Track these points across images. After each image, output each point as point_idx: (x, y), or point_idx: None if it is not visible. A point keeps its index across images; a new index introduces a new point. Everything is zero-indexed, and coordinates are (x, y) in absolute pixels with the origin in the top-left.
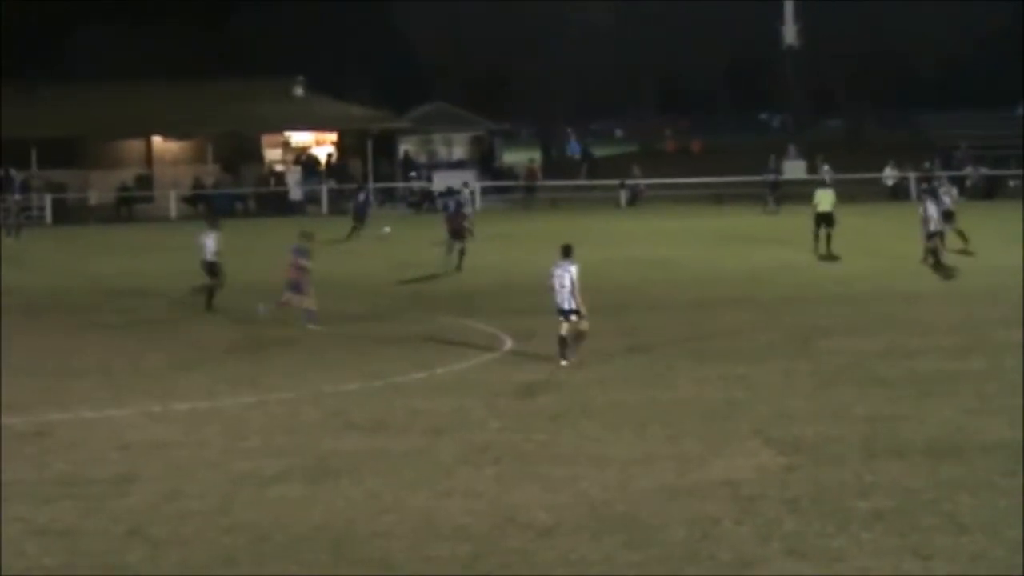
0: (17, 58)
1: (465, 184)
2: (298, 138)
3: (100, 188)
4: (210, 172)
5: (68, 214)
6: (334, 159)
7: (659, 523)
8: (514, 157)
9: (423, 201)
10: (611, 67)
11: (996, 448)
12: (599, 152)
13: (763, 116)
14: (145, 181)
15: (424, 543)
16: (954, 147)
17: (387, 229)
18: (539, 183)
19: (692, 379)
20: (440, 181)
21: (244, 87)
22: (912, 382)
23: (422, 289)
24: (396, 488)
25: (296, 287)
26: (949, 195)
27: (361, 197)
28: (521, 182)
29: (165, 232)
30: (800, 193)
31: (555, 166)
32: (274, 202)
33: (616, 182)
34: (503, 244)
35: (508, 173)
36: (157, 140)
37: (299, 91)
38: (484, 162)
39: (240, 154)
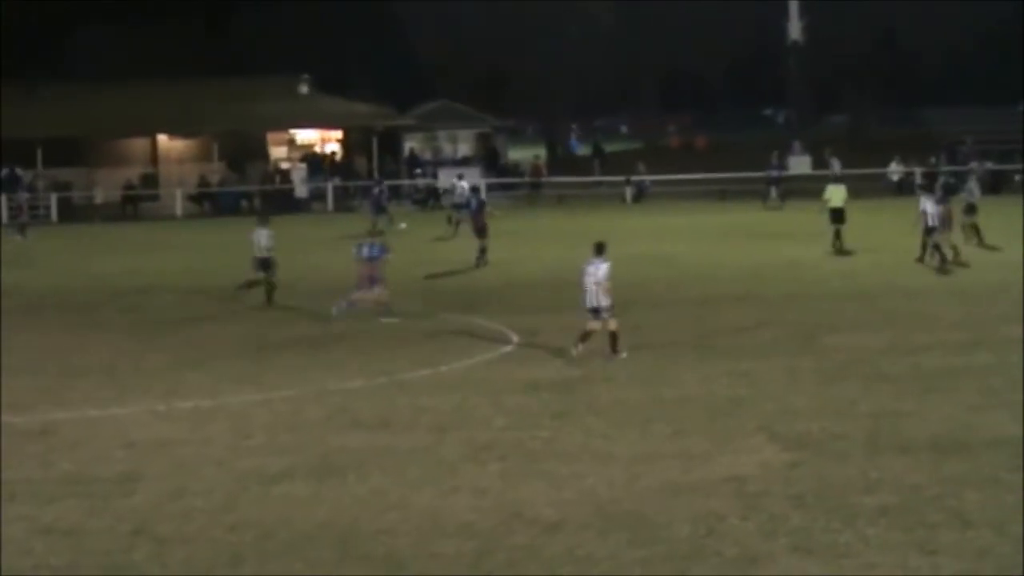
0: (18, 58)
1: (459, 176)
2: (303, 136)
3: (105, 187)
4: (215, 170)
5: (74, 213)
6: (338, 157)
7: (664, 520)
8: (519, 154)
9: (428, 198)
10: (615, 63)
11: (1001, 444)
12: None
13: (767, 112)
14: (150, 180)
15: (429, 540)
16: (959, 142)
17: (403, 225)
18: (544, 179)
19: (697, 376)
20: (445, 178)
21: (249, 85)
22: (916, 378)
23: (427, 286)
24: (401, 485)
25: (371, 282)
26: (972, 189)
27: (376, 191)
28: (526, 179)
29: (170, 230)
30: (805, 189)
31: (560, 163)
32: (279, 200)
33: (621, 178)
34: (508, 241)
35: (513, 170)
36: (162, 138)
37: (304, 89)
38: (489, 159)
39: (245, 152)
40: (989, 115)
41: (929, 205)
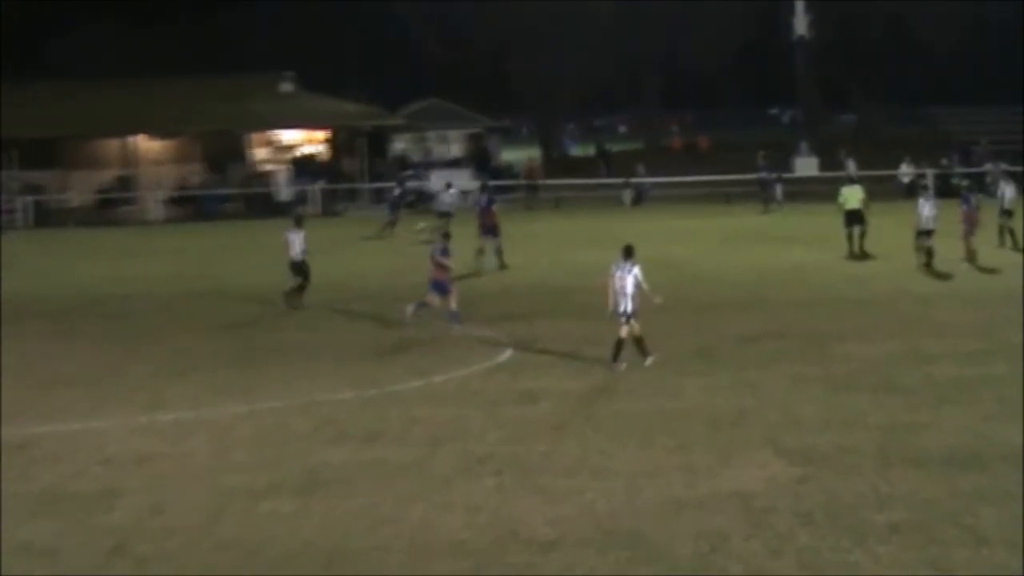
0: None
1: (448, 185)
2: (287, 136)
3: (81, 189)
4: (195, 172)
5: (49, 217)
6: (323, 157)
7: (666, 537)
8: (513, 155)
9: (417, 202)
10: (614, 60)
11: (1018, 457)
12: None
13: (772, 111)
14: (127, 182)
15: (422, 559)
16: (974, 142)
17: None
18: (540, 182)
19: (700, 387)
20: (437, 180)
21: (231, 84)
22: (929, 388)
23: (419, 293)
24: (392, 501)
25: (440, 287)
26: (1005, 191)
27: (397, 192)
28: (521, 181)
29: (150, 235)
30: (812, 192)
31: (556, 164)
32: (260, 203)
33: (620, 181)
34: (503, 246)
35: (507, 172)
36: (141, 139)
37: (288, 87)
38: (480, 160)
39: (226, 153)
40: (1005, 114)
41: (927, 207)
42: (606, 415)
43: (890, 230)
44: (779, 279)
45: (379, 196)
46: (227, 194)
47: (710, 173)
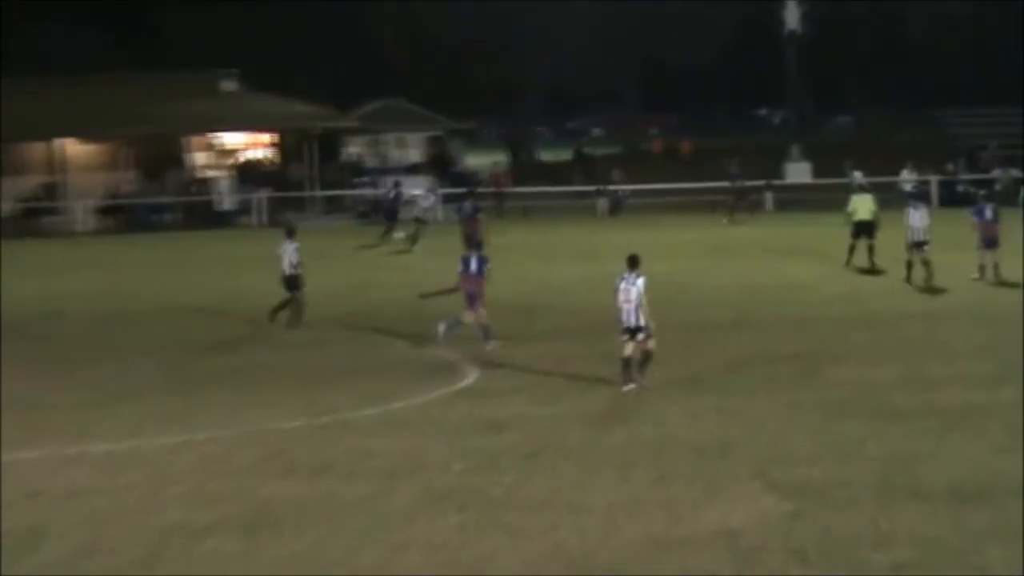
0: None
1: (396, 184)
2: (230, 139)
3: (1, 198)
4: (129, 179)
5: None
6: (269, 163)
7: None
8: (478, 160)
9: (374, 211)
10: (589, 56)
11: None
12: (568, 157)
13: (761, 112)
14: (53, 190)
15: None
16: (981, 146)
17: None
18: (506, 189)
19: (683, 413)
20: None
21: (168, 82)
22: (933, 415)
23: (376, 311)
24: (345, 540)
25: (471, 300)
26: None
27: (392, 195)
28: (486, 189)
29: (79, 248)
30: (805, 200)
31: (526, 169)
32: (201, 213)
33: (594, 188)
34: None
35: (470, 178)
36: (68, 143)
37: (230, 86)
38: (440, 166)
39: (163, 158)
40: (1017, 115)
41: (917, 217)
42: (580, 444)
43: (890, 243)
44: (770, 296)
45: (330, 205)
46: (163, 203)
47: (693, 180)
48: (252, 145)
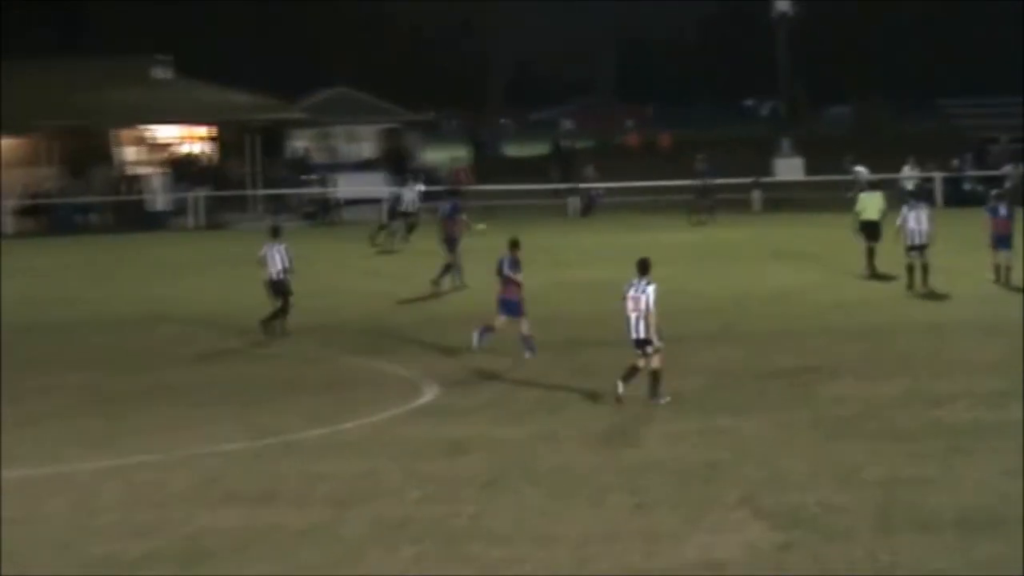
0: None
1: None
2: (163, 133)
3: None
4: (51, 176)
5: None
6: (207, 158)
7: None
8: (437, 155)
9: (321, 211)
10: (559, 41)
11: None
12: (539, 150)
13: (749, 103)
14: None
15: None
16: (991, 140)
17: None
18: (466, 187)
19: (663, 434)
20: (345, 185)
21: (94, 69)
22: (938, 436)
23: (325, 321)
24: (290, 574)
25: (509, 307)
26: None
27: (400, 192)
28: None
29: None
30: (796, 199)
31: (491, 165)
32: (131, 214)
33: (566, 186)
34: (427, 265)
35: (429, 175)
36: None
37: (163, 74)
38: (396, 161)
39: (89, 153)
40: None
41: (913, 217)
42: (549, 469)
43: (891, 246)
44: (758, 305)
45: (274, 205)
46: (89, 203)
47: (673, 177)
48: (188, 139)
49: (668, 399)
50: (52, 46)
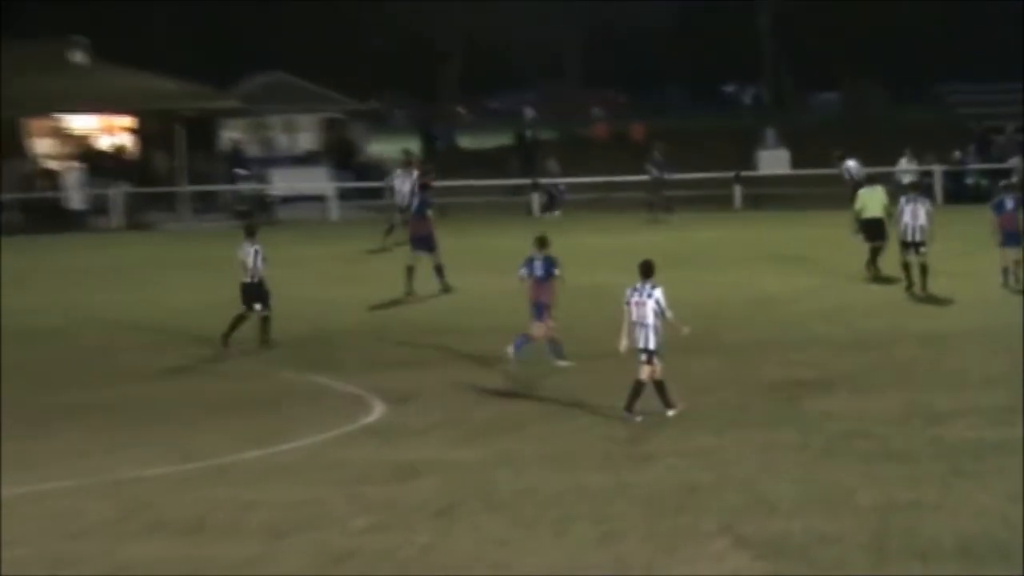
0: None
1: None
2: (79, 123)
3: None
4: None
5: None
6: (128, 151)
7: None
8: (385, 147)
9: (256, 210)
10: (520, 21)
11: None
12: (493, 142)
13: (729, 89)
14: None
15: None
16: (995, 130)
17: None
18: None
19: (635, 455)
20: (282, 181)
21: (3, 53)
22: (938, 456)
23: (287, 332)
24: None
25: (539, 310)
26: None
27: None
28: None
29: None
30: (781, 195)
31: (445, 158)
32: (44, 212)
33: (527, 181)
34: (373, 271)
35: (376, 169)
36: None
37: (80, 58)
38: (341, 154)
39: None
40: None
41: (909, 212)
42: (509, 494)
43: (890, 246)
44: (740, 313)
45: (204, 202)
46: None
47: (645, 172)
48: (108, 130)
49: (677, 409)
50: None
